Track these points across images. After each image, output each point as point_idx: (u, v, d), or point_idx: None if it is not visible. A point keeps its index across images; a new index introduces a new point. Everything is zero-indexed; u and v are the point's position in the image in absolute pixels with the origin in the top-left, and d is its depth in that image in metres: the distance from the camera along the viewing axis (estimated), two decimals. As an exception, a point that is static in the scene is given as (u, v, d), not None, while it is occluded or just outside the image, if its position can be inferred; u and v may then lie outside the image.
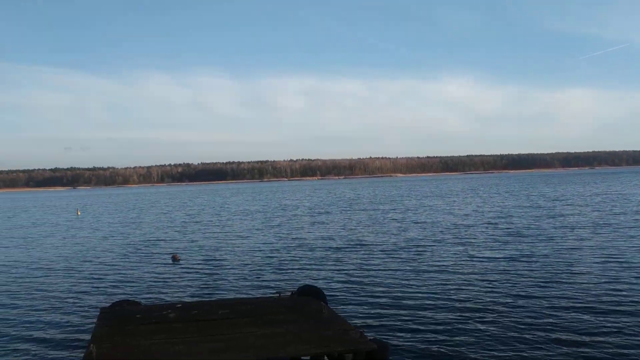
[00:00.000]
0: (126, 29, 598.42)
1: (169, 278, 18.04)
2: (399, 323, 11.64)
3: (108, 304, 10.65)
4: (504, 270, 16.85)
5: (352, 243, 24.72)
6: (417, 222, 33.30)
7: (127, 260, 22.58)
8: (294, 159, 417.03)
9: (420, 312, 12.40)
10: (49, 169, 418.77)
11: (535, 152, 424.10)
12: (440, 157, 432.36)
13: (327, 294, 10.28)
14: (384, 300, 13.76)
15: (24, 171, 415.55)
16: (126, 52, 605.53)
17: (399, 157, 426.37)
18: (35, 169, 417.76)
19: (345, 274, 17.56)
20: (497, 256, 19.58)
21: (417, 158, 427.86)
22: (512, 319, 11.53)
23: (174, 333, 8.00)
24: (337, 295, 14.40)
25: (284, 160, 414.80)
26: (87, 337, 11.08)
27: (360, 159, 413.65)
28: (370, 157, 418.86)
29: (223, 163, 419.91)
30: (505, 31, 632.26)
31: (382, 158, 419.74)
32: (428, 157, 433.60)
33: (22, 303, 14.95)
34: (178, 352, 7.07)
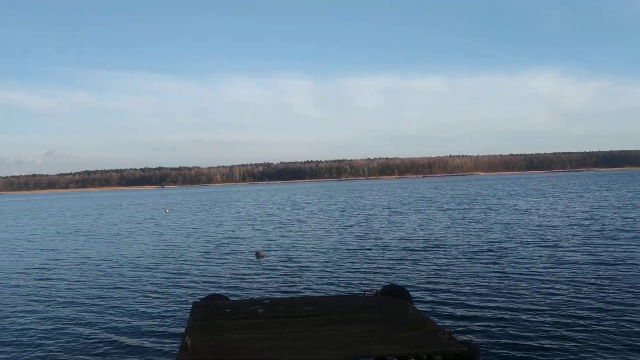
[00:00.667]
0: (210, 33, 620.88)
1: (254, 274, 18.54)
2: (485, 326, 11.33)
3: (199, 298, 11.14)
4: (596, 275, 15.93)
5: (432, 243, 24.31)
6: (500, 223, 32.20)
7: (212, 256, 23.44)
8: (372, 158, 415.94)
9: (507, 317, 12.01)
10: (139, 169, 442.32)
11: (628, 148, 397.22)
12: (524, 154, 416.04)
13: (411, 294, 10.19)
14: (469, 302, 13.44)
15: (116, 171, 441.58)
16: (211, 57, 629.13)
17: (480, 154, 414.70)
18: (126, 169, 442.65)
19: (427, 274, 17.31)
20: (588, 260, 18.54)
21: (500, 156, 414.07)
22: (604, 327, 10.90)
23: (263, 329, 8.24)
24: (421, 296, 14.22)
25: (362, 159, 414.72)
26: (180, 329, 11.62)
27: (439, 157, 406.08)
28: (450, 155, 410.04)
29: (302, 162, 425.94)
30: (593, 22, 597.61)
31: (463, 156, 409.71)
32: (511, 154, 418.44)
33: (116, 295, 15.89)
34: (267, 348, 7.28)
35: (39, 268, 22.05)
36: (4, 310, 14.48)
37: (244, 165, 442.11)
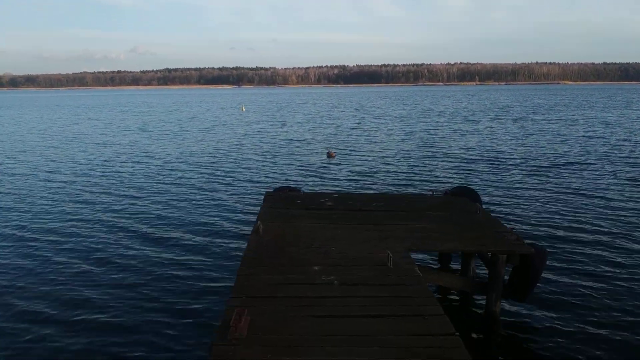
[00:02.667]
0: None
1: (324, 172, 18.93)
2: (553, 234, 11.13)
3: (271, 189, 11.61)
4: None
5: (504, 152, 23.60)
6: (579, 136, 30.41)
7: (285, 153, 24.02)
8: (452, 63, 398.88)
9: (575, 226, 11.70)
10: (217, 68, 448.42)
11: None
12: (619, 63, 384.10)
13: (481, 198, 10.09)
14: (538, 209, 13.18)
15: (196, 69, 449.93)
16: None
17: (569, 62, 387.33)
18: (205, 68, 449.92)
19: (498, 179, 17.01)
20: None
21: (592, 64, 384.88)
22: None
23: (331, 219, 8.54)
24: (491, 200, 14.06)
25: (441, 64, 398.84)
26: (253, 217, 12.24)
27: (525, 63, 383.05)
28: (537, 62, 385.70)
29: (378, 65, 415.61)
30: None
31: (550, 63, 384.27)
32: (605, 63, 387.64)
33: (196, 185, 16.76)
34: (335, 237, 7.58)
35: (120, 161, 23.48)
36: (72, 200, 15.64)
37: (320, 67, 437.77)
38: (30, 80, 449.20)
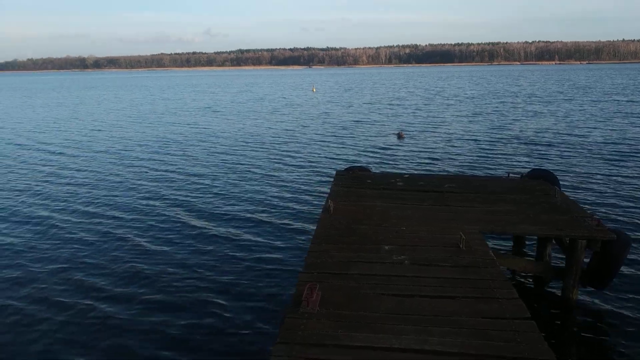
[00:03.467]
0: None
1: (395, 152, 18.79)
2: (637, 222, 10.54)
3: (342, 169, 11.65)
4: None
5: (579, 137, 22.39)
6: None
7: (355, 133, 23.99)
8: (530, 41, 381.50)
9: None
10: (288, 49, 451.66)
11: None
12: None
13: (560, 181, 9.68)
14: (621, 195, 12.49)
15: (267, 50, 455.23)
16: None
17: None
18: (277, 49, 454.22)
19: (575, 164, 16.24)
20: None
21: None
22: None
23: (401, 199, 8.49)
24: (571, 183, 13.48)
25: (518, 42, 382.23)
26: (323, 196, 12.36)
27: (610, 41, 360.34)
28: (624, 40, 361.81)
29: (451, 45, 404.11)
30: None
31: (638, 41, 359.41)
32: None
33: (267, 166, 17.07)
34: (405, 217, 7.54)
35: (190, 140, 24.24)
36: (142, 176, 16.30)
37: (391, 46, 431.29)
38: (112, 62, 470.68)
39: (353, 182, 9.57)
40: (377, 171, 13.80)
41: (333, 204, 7.83)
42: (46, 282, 8.13)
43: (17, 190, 14.12)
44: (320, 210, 10.96)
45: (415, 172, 14.93)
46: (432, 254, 6.05)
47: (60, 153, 20.13)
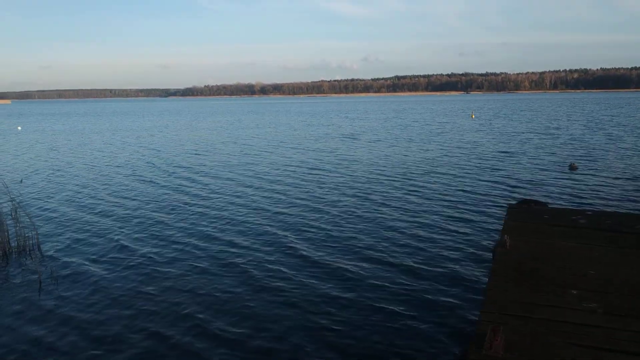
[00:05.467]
0: None
1: (568, 185, 17.39)
2: None
3: (513, 202, 11.08)
4: None
5: None
6: None
7: (522, 163, 22.67)
8: None
9: None
10: (445, 74, 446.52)
11: None
12: None
13: None
14: None
15: (424, 76, 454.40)
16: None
17: None
18: (433, 74, 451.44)
19: None
20: None
21: None
22: None
23: (587, 239, 7.75)
24: None
25: None
26: (493, 228, 11.82)
27: None
28: None
29: (627, 69, 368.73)
30: None
31: None
32: None
33: (428, 192, 16.78)
34: (592, 259, 6.86)
35: (327, 168, 24.65)
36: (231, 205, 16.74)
37: (556, 71, 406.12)
38: (276, 89, 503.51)
39: (529, 216, 9.00)
40: (553, 205, 12.83)
41: (509, 240, 7.41)
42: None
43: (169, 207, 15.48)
44: (488, 244, 10.50)
45: (594, 207, 13.65)
46: (630, 304, 5.42)
47: (202, 173, 21.73)
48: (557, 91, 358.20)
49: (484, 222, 12.71)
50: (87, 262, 10.37)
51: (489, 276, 6.26)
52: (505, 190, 16.81)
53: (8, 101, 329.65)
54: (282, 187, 18.05)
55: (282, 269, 9.75)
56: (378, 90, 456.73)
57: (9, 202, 13.50)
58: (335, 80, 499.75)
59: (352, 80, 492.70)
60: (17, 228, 11.61)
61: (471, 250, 10.57)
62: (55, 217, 14.15)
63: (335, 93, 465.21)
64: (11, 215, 12.63)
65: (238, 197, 16.57)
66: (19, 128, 58.19)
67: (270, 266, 9.91)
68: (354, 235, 11.89)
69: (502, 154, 25.92)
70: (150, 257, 10.63)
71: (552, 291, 5.75)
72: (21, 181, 19.86)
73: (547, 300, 5.51)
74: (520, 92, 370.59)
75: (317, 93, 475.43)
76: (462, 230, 12.08)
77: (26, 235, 11.42)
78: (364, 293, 8.53)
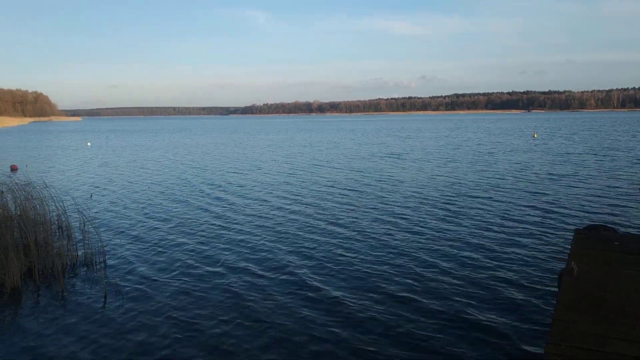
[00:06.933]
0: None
1: (638, 210, 16.53)
2: None
3: (580, 227, 10.60)
4: None
5: None
6: None
7: (589, 185, 21.74)
8: None
9: None
10: (505, 92, 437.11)
11: None
12: None
13: None
14: None
15: (484, 94, 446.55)
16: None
17: None
18: (493, 92, 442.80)
19: None
20: None
21: None
22: None
23: (661, 269, 7.31)
24: None
25: None
26: (558, 254, 11.38)
27: None
28: None
29: None
30: None
31: None
32: None
33: (489, 214, 16.34)
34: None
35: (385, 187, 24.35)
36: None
37: (625, 89, 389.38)
38: (333, 107, 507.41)
39: (598, 243, 8.59)
40: (623, 231, 12.21)
41: (577, 267, 7.09)
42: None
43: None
44: (554, 270, 10.09)
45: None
46: None
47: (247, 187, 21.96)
48: (626, 110, 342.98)
49: (549, 247, 12.23)
50: (149, 275, 10.69)
51: (555, 305, 6.00)
52: (571, 214, 16.13)
53: (79, 118, 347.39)
54: (331, 206, 18.09)
55: (355, 291, 9.73)
56: (436, 108, 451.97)
57: (78, 217, 14.15)
58: (392, 98, 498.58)
59: (410, 98, 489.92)
60: (85, 241, 12.13)
61: (535, 276, 10.18)
62: (121, 231, 14.68)
63: (392, 111, 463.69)
64: (80, 228, 13.23)
65: (293, 214, 16.75)
66: (89, 144, 61.06)
67: (339, 284, 9.91)
68: (412, 259, 11.73)
69: (567, 176, 24.94)
70: (213, 271, 10.86)
71: (624, 324, 5.45)
72: (91, 196, 20.73)
73: (618, 334, 5.22)
74: (586, 110, 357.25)
75: (374, 111, 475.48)
76: (524, 255, 11.67)
77: (93, 248, 11.92)
78: (420, 318, 8.37)
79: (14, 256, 9.95)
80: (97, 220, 15.76)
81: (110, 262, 11.67)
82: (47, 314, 8.77)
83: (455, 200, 18.68)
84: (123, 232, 14.64)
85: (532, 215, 15.94)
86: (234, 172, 29.08)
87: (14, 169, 31.05)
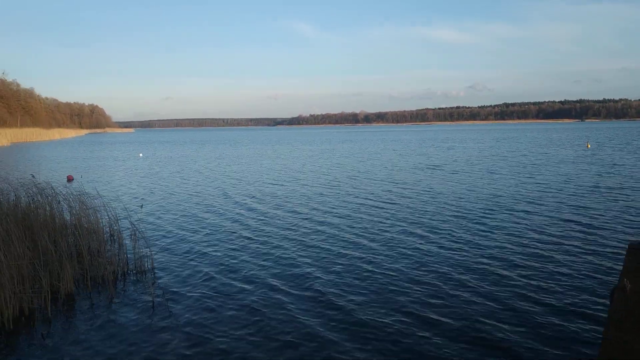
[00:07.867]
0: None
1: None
2: None
3: (635, 242, 10.14)
4: None
5: None
6: None
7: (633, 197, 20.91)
8: None
9: None
10: (558, 101, 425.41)
11: None
12: None
13: None
14: None
15: (534, 103, 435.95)
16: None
17: None
18: (545, 101, 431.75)
19: None
20: None
21: None
22: None
23: None
24: None
25: None
26: (609, 270, 10.97)
27: None
28: None
29: None
30: None
31: None
32: None
33: (533, 229, 15.91)
34: None
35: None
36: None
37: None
38: (380, 117, 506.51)
39: (653, 258, 8.22)
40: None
41: (630, 284, 6.80)
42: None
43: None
44: (605, 286, 9.72)
45: None
46: None
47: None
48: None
49: (600, 262, 11.79)
50: (197, 285, 10.92)
51: (606, 325, 5.77)
52: (625, 227, 15.53)
53: (131, 130, 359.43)
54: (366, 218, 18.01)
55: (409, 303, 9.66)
56: (485, 118, 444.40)
57: (129, 226, 14.60)
58: (439, 108, 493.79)
59: (457, 107, 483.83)
60: (135, 249, 12.51)
61: (585, 293, 9.83)
62: (170, 241, 15.06)
63: (440, 121, 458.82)
64: (131, 238, 13.65)
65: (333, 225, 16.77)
66: (140, 155, 63.01)
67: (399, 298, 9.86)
68: (446, 278, 11.53)
69: (621, 188, 24.01)
70: (260, 281, 11.00)
71: (681, 346, 5.18)
72: (142, 207, 21.35)
73: (674, 357, 4.97)
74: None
75: (421, 121, 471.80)
76: (574, 269, 11.29)
77: (143, 256, 12.27)
78: (449, 343, 8.22)
79: (68, 263, 10.36)
80: (146, 230, 16.22)
81: (158, 270, 11.98)
82: (98, 320, 9.08)
83: (502, 211, 18.28)
84: (171, 241, 15.01)
85: (584, 227, 15.41)
86: (283, 184, 29.39)
87: (70, 179, 32.36)
